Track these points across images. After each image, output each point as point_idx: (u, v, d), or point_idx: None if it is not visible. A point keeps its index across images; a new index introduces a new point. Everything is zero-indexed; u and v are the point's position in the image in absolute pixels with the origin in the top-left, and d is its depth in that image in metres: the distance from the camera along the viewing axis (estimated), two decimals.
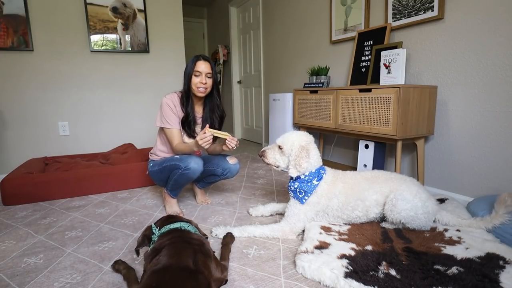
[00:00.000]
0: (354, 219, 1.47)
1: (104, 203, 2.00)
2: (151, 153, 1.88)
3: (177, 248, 0.92)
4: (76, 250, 1.36)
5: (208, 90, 1.72)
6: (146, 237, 1.11)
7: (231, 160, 1.81)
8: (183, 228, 1.09)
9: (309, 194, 1.44)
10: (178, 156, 1.68)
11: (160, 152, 1.82)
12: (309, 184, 1.45)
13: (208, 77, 1.70)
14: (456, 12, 1.79)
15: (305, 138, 1.49)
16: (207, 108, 1.79)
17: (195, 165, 1.61)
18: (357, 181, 1.46)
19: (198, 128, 1.81)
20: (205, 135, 1.50)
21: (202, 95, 1.71)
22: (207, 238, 1.22)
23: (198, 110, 1.81)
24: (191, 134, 1.77)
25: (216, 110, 1.80)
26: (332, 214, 1.46)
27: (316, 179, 1.45)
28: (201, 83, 1.67)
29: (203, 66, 1.67)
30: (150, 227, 1.13)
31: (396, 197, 1.35)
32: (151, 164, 1.82)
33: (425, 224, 1.37)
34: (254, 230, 1.45)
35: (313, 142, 1.51)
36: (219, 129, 1.81)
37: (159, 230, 1.10)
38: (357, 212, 1.43)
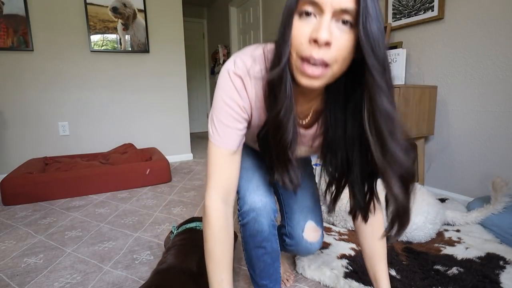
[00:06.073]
0: None
1: (104, 203, 2.00)
2: None
3: (184, 250, 0.92)
4: (76, 250, 1.36)
5: (335, 69, 0.52)
6: (168, 239, 1.17)
7: (310, 235, 0.88)
8: (198, 228, 1.10)
9: None
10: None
11: None
12: None
13: (343, 28, 0.50)
14: (456, 12, 1.79)
15: None
16: (327, 116, 0.65)
17: (259, 201, 0.75)
18: None
19: (297, 149, 0.69)
20: None
21: (314, 84, 0.54)
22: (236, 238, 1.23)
23: (304, 110, 0.69)
24: (274, 163, 0.68)
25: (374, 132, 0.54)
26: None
27: None
28: (314, 40, 0.49)
29: None
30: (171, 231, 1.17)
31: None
32: None
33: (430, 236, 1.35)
34: None
35: None
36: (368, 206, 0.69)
37: (177, 230, 1.13)
38: None
